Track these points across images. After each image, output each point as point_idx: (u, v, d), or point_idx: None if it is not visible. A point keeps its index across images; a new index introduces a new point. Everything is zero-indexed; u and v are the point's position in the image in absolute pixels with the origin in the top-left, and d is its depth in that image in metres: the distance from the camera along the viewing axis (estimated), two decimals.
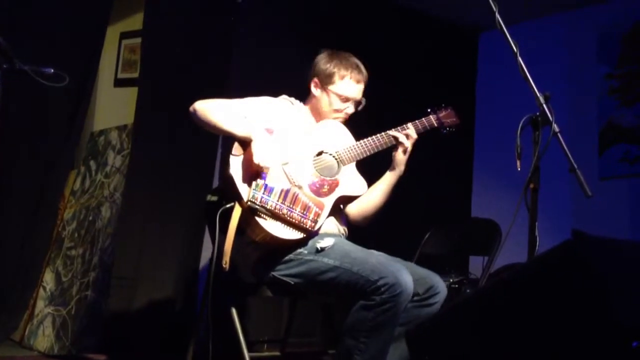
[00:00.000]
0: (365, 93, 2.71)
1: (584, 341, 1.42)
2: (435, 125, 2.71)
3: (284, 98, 2.75)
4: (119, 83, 4.52)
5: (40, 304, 4.00)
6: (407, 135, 2.61)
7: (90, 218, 4.03)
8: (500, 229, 3.48)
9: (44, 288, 4.03)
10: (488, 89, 5.30)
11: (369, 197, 2.68)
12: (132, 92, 3.93)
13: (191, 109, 2.48)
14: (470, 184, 5.24)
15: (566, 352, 1.44)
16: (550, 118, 2.07)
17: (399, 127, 2.64)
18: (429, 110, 2.73)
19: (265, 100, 2.64)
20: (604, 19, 4.69)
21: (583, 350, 1.42)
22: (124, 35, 4.50)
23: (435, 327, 1.74)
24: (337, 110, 2.66)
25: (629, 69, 4.55)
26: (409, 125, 2.66)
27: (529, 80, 2.14)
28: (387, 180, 2.67)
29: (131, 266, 3.52)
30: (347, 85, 2.63)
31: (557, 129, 2.06)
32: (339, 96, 2.64)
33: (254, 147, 2.36)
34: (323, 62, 2.67)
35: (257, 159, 2.33)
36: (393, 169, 2.65)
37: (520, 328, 1.52)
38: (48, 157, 3.47)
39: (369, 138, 2.62)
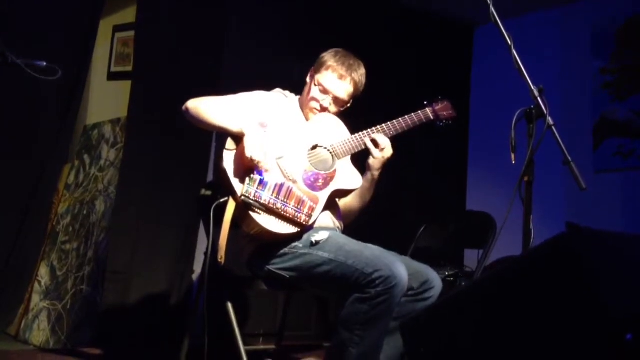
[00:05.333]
0: (357, 99, 2.70)
1: (577, 333, 1.43)
2: (432, 118, 2.69)
3: (277, 91, 2.74)
4: (112, 76, 4.50)
5: (35, 298, 3.99)
6: (374, 142, 2.57)
7: (85, 212, 4.03)
8: (495, 222, 3.49)
9: (39, 282, 4.02)
10: (482, 83, 5.30)
11: (346, 202, 2.68)
12: (125, 86, 3.92)
13: (183, 107, 2.47)
14: (465, 177, 5.25)
15: (560, 344, 1.45)
16: (545, 111, 2.07)
17: (383, 124, 2.63)
18: (425, 103, 2.72)
19: (258, 95, 2.63)
20: (597, 13, 4.70)
21: (577, 342, 1.43)
22: (117, 29, 4.48)
23: (430, 320, 1.75)
24: (313, 99, 2.64)
25: (622, 63, 4.56)
26: (404, 119, 2.65)
27: (523, 73, 2.14)
28: (362, 184, 2.63)
29: (126, 260, 3.52)
30: (329, 77, 2.62)
31: (551, 122, 2.06)
32: (319, 85, 2.62)
33: (246, 142, 2.34)
34: (325, 53, 2.68)
35: (249, 153, 2.32)
36: (365, 173, 2.63)
37: (514, 320, 1.52)
38: (41, 150, 3.46)
39: (363, 132, 2.62)
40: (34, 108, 3.41)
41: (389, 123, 2.63)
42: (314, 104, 2.65)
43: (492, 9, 2.19)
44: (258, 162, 2.34)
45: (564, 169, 2.07)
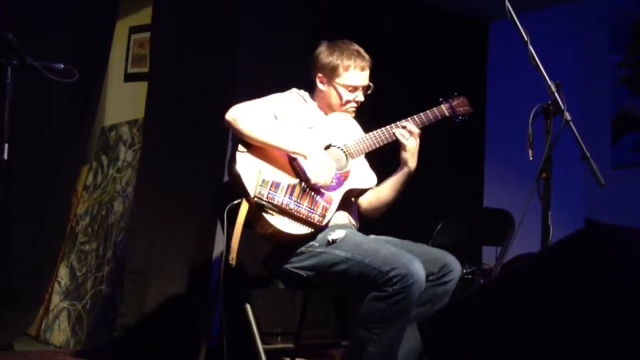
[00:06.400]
0: (374, 80, 2.68)
1: (597, 331, 1.41)
2: (447, 114, 2.68)
3: (294, 92, 2.73)
4: (129, 78, 4.52)
5: (55, 298, 4.03)
6: (410, 132, 2.57)
7: (103, 213, 4.06)
8: (512, 218, 3.47)
9: (59, 283, 4.06)
10: (499, 79, 5.27)
11: (379, 193, 2.67)
12: (142, 87, 3.94)
13: (227, 120, 2.43)
14: (482, 174, 5.22)
15: (580, 343, 1.44)
16: (562, 106, 2.06)
17: (403, 120, 2.61)
18: (441, 99, 2.71)
19: (277, 99, 2.61)
20: (614, 7, 4.65)
21: (597, 339, 1.41)
22: (133, 30, 4.50)
23: (448, 317, 1.74)
24: (347, 102, 2.64)
25: (639, 57, 4.51)
26: (419, 116, 2.64)
27: (540, 69, 2.12)
28: (396, 177, 2.64)
29: (144, 260, 3.54)
30: (352, 75, 2.61)
31: (568, 117, 2.05)
32: (347, 87, 2.62)
33: (310, 165, 2.39)
34: (324, 55, 2.64)
35: (315, 179, 2.37)
36: (401, 166, 2.62)
37: (533, 318, 1.51)
38: (59, 152, 3.48)
39: (378, 130, 2.61)
40: (52, 110, 3.44)
41: (403, 120, 2.62)
42: (348, 106, 2.65)
43: (508, 4, 2.18)
44: (324, 188, 2.40)
45: (582, 165, 2.05)
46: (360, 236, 2.42)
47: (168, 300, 3.55)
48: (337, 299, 4.16)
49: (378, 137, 2.60)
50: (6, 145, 2.26)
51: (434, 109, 2.67)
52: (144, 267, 3.53)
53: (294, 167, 2.43)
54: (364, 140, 2.59)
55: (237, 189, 2.37)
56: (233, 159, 2.40)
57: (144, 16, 4.28)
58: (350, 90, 2.63)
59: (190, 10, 3.75)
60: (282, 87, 2.71)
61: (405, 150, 2.57)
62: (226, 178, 3.71)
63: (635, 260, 1.54)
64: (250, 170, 2.37)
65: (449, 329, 1.72)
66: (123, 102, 4.48)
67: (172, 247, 3.61)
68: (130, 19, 4.49)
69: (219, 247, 3.67)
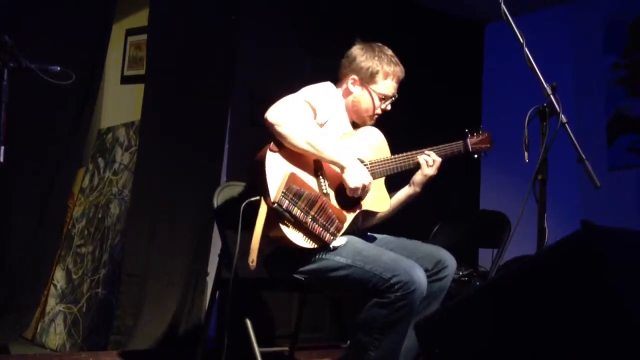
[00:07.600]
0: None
1: (594, 333, 1.42)
2: (470, 150, 2.64)
3: (332, 87, 2.64)
4: (125, 80, 4.52)
5: (51, 301, 4.02)
6: (434, 160, 2.57)
7: (100, 215, 4.05)
8: (509, 221, 3.47)
9: (55, 286, 4.05)
10: (495, 81, 5.28)
11: None
12: (138, 89, 3.94)
13: (269, 122, 2.33)
14: (479, 176, 5.23)
15: (576, 344, 1.44)
16: (558, 109, 2.06)
17: (427, 149, 2.59)
18: (467, 130, 2.66)
19: (314, 95, 2.51)
20: (610, 8, 4.66)
21: (594, 341, 1.42)
22: (130, 32, 4.50)
23: (445, 320, 1.74)
24: (376, 110, 2.60)
25: (635, 58, 4.52)
26: (445, 147, 2.62)
27: (536, 71, 2.13)
28: (401, 197, 2.64)
29: (141, 263, 3.53)
30: (389, 85, 2.59)
31: (564, 120, 2.06)
32: (379, 95, 2.58)
33: (351, 175, 2.35)
34: (363, 58, 2.59)
35: (356, 184, 2.34)
36: (409, 187, 2.62)
37: (530, 320, 1.51)
38: (56, 155, 3.47)
39: (402, 155, 2.58)
40: (48, 112, 3.42)
41: (427, 149, 2.59)
42: (375, 112, 2.61)
43: (504, 7, 2.19)
44: (366, 193, 2.39)
45: (577, 167, 2.06)
46: (361, 243, 2.40)
47: (165, 303, 3.54)
48: (333, 302, 4.16)
49: (401, 162, 2.56)
50: (2, 148, 2.25)
51: (460, 142, 2.63)
52: (140, 269, 3.52)
53: (326, 174, 2.40)
54: (388, 162, 2.56)
55: (258, 184, 2.32)
56: (263, 155, 2.33)
57: (141, 18, 4.28)
58: (381, 99, 2.59)
59: (187, 11, 3.75)
60: (282, 88, 2.66)
61: (422, 175, 2.57)
62: (224, 179, 3.74)
63: (631, 262, 1.55)
64: (278, 174, 2.30)
65: (445, 331, 1.72)
66: (119, 104, 4.48)
67: (169, 249, 3.61)
68: (126, 21, 4.48)
69: (216, 250, 3.66)
